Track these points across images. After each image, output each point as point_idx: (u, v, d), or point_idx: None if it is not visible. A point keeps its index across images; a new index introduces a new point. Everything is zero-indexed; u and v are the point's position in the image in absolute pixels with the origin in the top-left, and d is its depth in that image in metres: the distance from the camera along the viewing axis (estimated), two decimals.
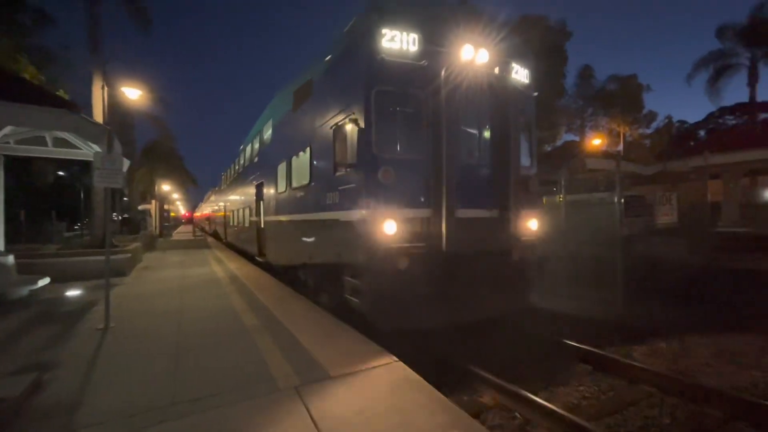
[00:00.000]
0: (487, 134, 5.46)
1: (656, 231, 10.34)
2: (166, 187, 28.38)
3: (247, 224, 12.81)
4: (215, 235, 26.63)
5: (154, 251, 16.98)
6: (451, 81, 4.74)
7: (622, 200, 7.92)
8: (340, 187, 5.19)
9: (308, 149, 6.43)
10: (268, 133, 9.99)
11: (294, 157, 7.31)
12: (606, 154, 23.77)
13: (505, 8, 5.41)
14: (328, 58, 5.92)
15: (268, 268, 9.95)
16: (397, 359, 3.74)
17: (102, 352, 4.19)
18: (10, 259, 6.96)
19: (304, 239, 6.71)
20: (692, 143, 29.59)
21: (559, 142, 30.57)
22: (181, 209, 61.22)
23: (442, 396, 3.07)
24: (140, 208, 32.09)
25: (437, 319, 4.73)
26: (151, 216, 29.22)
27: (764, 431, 3.57)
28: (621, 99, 27.02)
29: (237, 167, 15.71)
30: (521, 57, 5.77)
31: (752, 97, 24.23)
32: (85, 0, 12.43)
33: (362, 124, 4.62)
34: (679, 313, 7.10)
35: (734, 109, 33.04)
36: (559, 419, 3.59)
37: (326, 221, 5.67)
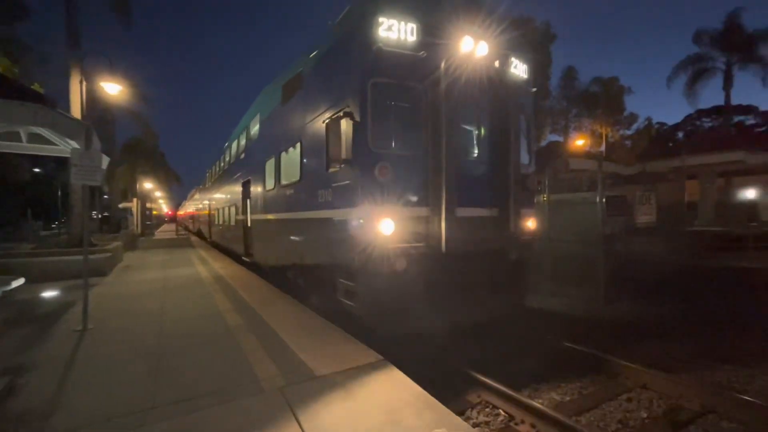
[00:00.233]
0: (486, 130, 5.32)
1: (636, 230, 10.64)
2: (148, 184, 27.68)
3: (233, 223, 12.59)
4: (199, 234, 26.16)
5: (136, 250, 16.59)
6: (450, 73, 4.56)
7: (604, 200, 8.12)
8: (333, 185, 4.99)
9: (298, 145, 6.23)
10: (255, 129, 9.76)
11: (283, 154, 7.12)
12: (589, 155, 24.28)
13: (504, 0, 5.36)
14: (320, 48, 5.69)
15: (255, 268, 9.82)
16: (383, 358, 3.74)
17: (79, 354, 4.07)
18: None
19: (294, 239, 6.52)
20: (671, 144, 30.51)
21: (543, 143, 31.09)
22: (164, 207, 59.87)
23: (428, 394, 3.08)
24: (121, 206, 31.28)
25: (435, 323, 4.59)
26: (132, 214, 28.49)
27: (736, 423, 3.71)
28: (603, 101, 27.61)
29: (222, 164, 15.41)
30: (520, 51, 5.63)
31: (727, 100, 25.12)
32: None
33: (358, 118, 4.40)
34: (657, 310, 7.32)
35: (710, 112, 34.23)
36: (542, 415, 3.67)
37: (318, 220, 5.48)
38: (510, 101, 5.16)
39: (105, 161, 8.43)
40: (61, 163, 19.94)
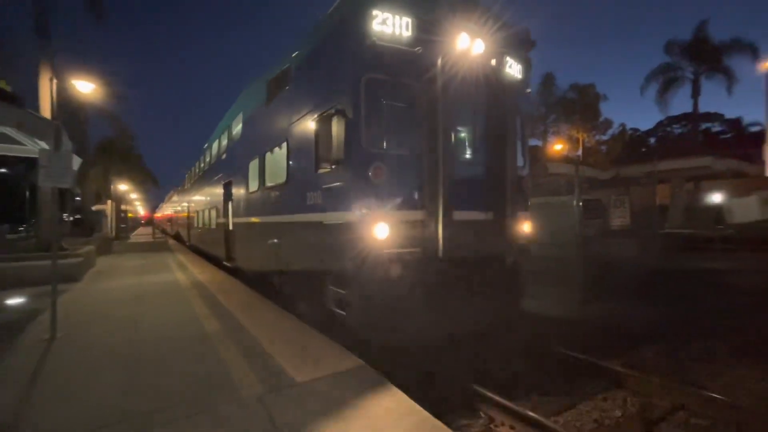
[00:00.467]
0: (482, 131, 5.18)
1: (611, 233, 11.00)
2: (123, 186, 26.76)
3: (213, 226, 12.26)
4: (178, 237, 25.46)
5: (110, 254, 16.05)
6: (447, 71, 4.38)
7: (581, 203, 8.36)
8: (323, 186, 4.75)
9: (284, 145, 5.98)
10: (237, 128, 9.49)
11: (268, 154, 6.87)
12: (566, 159, 24.95)
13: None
14: (309, 42, 5.49)
15: (236, 273, 9.60)
16: (363, 363, 3.72)
17: (47, 365, 3.89)
18: None
19: (280, 243, 6.29)
20: (644, 150, 31.73)
21: None
22: (140, 209, 58.05)
23: (410, 399, 3.08)
24: (94, 208, 30.10)
25: (431, 332, 4.37)
26: (106, 217, 27.46)
27: (704, 419, 3.86)
28: (580, 107, 28.44)
29: (203, 165, 15.05)
30: (516, 51, 5.47)
31: (695, 108, 26.35)
32: None
33: (350, 115, 4.17)
34: (630, 311, 7.57)
35: (680, 119, 35.84)
36: (521, 417, 3.72)
37: (306, 224, 5.24)
38: (506, 101, 5.03)
39: (76, 162, 8.12)
40: (30, 163, 19.07)
